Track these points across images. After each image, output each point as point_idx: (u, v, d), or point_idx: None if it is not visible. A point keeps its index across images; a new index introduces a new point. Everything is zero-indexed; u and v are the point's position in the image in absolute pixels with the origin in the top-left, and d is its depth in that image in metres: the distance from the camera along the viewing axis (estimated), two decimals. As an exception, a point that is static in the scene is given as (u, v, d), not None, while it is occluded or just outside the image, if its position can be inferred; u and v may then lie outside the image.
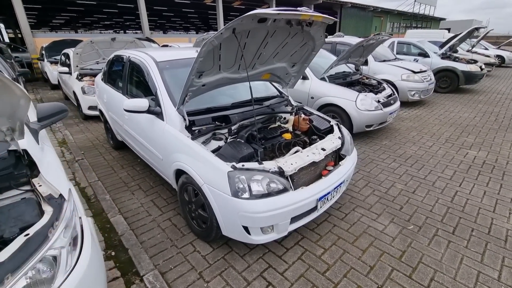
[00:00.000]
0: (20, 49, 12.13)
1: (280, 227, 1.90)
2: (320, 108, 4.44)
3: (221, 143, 2.19)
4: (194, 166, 1.97)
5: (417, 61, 7.71)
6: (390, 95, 4.63)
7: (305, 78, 4.54)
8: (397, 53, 8.12)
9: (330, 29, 21.58)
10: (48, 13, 21.36)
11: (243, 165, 1.83)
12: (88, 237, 1.32)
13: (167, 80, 2.51)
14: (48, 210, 1.27)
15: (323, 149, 2.20)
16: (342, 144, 2.45)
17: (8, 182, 1.33)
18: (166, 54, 2.84)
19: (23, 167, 1.40)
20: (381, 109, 4.12)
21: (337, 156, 2.45)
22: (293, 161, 1.98)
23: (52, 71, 8.02)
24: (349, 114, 4.07)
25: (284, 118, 2.71)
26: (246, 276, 1.87)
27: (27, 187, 1.37)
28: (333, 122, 2.71)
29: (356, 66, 5.30)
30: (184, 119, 2.19)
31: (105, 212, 2.57)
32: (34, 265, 1.06)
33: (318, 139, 2.47)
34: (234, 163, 1.84)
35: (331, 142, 2.33)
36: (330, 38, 7.20)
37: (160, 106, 2.35)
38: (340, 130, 2.58)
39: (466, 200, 2.72)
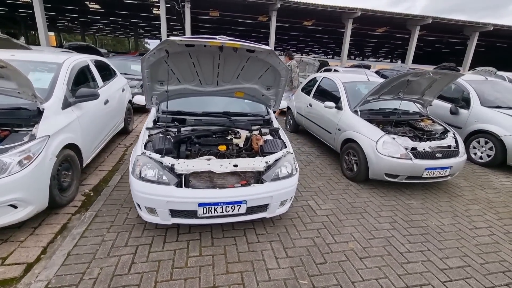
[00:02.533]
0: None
1: (161, 214, 2.24)
2: (343, 144, 4.05)
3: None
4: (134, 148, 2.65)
5: None
6: (447, 147, 3.57)
7: (339, 108, 4.26)
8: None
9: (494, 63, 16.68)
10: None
11: (149, 154, 2.32)
12: (33, 164, 2.23)
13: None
14: (25, 139, 2.29)
15: (235, 165, 2.31)
16: (267, 169, 2.41)
17: (25, 123, 2.47)
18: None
19: (38, 118, 2.52)
20: (411, 158, 3.30)
21: (259, 180, 2.43)
22: (190, 164, 2.26)
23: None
24: (366, 155, 3.53)
25: (238, 133, 2.90)
26: (121, 238, 2.33)
27: (31, 128, 2.47)
28: (284, 150, 2.64)
29: (423, 105, 4.33)
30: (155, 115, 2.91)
31: (117, 171, 3.67)
32: (-6, 161, 2.04)
33: (247, 157, 2.55)
34: (146, 151, 2.35)
35: (250, 163, 2.37)
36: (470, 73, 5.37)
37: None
38: (277, 159, 2.50)
39: (424, 298, 1.94)
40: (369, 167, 3.52)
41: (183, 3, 15.42)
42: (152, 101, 2.84)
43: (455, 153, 3.52)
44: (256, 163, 2.38)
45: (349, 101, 4.22)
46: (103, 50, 15.71)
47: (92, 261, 2.09)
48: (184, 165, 2.24)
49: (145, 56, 2.31)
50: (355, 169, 3.75)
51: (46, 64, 3.12)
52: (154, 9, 21.48)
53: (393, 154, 3.35)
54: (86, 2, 21.33)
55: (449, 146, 3.59)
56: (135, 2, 19.64)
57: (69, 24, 34.28)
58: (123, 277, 1.96)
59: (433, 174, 3.39)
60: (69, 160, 2.81)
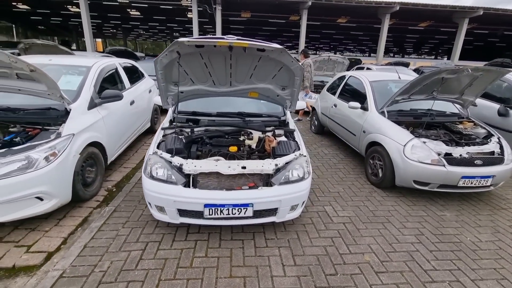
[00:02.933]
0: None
1: (170, 213, 2.27)
2: (368, 147, 3.78)
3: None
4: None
5: None
6: (490, 153, 3.14)
7: (365, 108, 3.99)
8: None
9: None
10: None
11: (161, 154, 2.37)
12: (58, 161, 2.40)
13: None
14: (51, 137, 2.48)
15: (243, 167, 2.26)
16: (277, 171, 2.32)
17: (53, 122, 2.67)
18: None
19: (65, 117, 2.71)
20: (444, 165, 2.95)
21: (269, 183, 2.34)
22: (198, 164, 2.26)
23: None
24: (392, 160, 3.25)
25: (251, 134, 2.83)
26: (134, 234, 2.40)
27: (58, 127, 2.66)
28: (297, 152, 2.52)
29: (462, 105, 3.87)
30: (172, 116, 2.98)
31: (140, 169, 3.84)
32: (23, 156, 2.23)
33: (257, 158, 2.49)
34: (158, 150, 2.41)
35: (259, 165, 2.30)
36: None
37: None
38: (288, 162, 2.39)
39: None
40: (395, 173, 3.23)
41: (214, 6, 15.81)
42: (168, 102, 2.90)
43: (499, 160, 3.07)
44: (265, 165, 2.30)
45: (375, 101, 3.93)
46: (140, 54, 16.72)
47: (104, 254, 2.18)
48: (192, 166, 2.24)
49: (158, 58, 2.36)
50: (380, 175, 3.47)
51: (77, 67, 3.37)
52: (188, 13, 22.38)
53: (423, 160, 3.03)
54: (128, 10, 22.96)
55: (492, 152, 3.15)
56: (171, 7, 20.61)
57: (113, 30, 37.20)
58: (129, 272, 2.01)
59: (471, 183, 3.00)
60: (94, 157, 2.99)
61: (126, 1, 19.88)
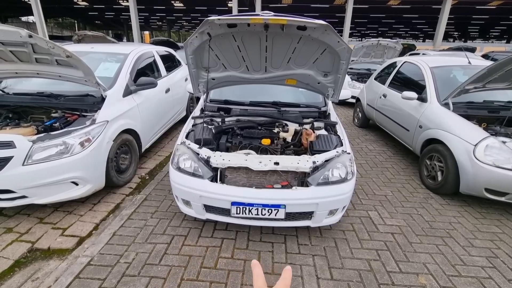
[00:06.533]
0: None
1: (196, 208, 2.13)
2: (425, 144, 3.23)
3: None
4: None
5: None
6: None
7: (423, 99, 3.40)
8: None
9: None
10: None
11: (188, 144, 2.22)
12: (92, 147, 2.41)
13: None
14: (87, 123, 2.49)
15: (276, 163, 2.01)
16: (315, 170, 2.02)
17: (90, 108, 2.69)
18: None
19: (101, 104, 2.72)
20: (531, 172, 2.34)
21: (304, 182, 2.05)
22: (226, 157, 2.06)
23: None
24: (457, 162, 2.69)
25: (287, 126, 2.54)
26: (161, 226, 2.32)
27: (94, 113, 2.68)
28: (339, 148, 2.17)
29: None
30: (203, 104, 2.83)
31: (173, 157, 3.82)
32: (60, 141, 2.27)
33: (292, 153, 2.21)
34: (186, 140, 2.27)
35: (294, 162, 2.02)
36: None
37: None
38: (328, 159, 2.07)
39: None
40: (460, 177, 2.68)
41: (254, -7, 15.42)
42: (199, 89, 2.74)
43: None
44: (301, 163, 2.01)
45: (437, 91, 3.32)
46: (182, 44, 17.25)
47: (131, 244, 2.14)
48: (219, 159, 2.05)
49: (188, 41, 2.18)
50: (440, 178, 2.93)
51: (115, 55, 3.39)
52: (228, 1, 22.28)
53: (501, 164, 2.44)
54: (172, 1, 23.70)
55: None
56: (212, -4, 20.75)
57: (159, 23, 39.02)
58: (153, 267, 1.93)
59: None
60: (128, 144, 2.99)
61: (171, -8, 20.57)
